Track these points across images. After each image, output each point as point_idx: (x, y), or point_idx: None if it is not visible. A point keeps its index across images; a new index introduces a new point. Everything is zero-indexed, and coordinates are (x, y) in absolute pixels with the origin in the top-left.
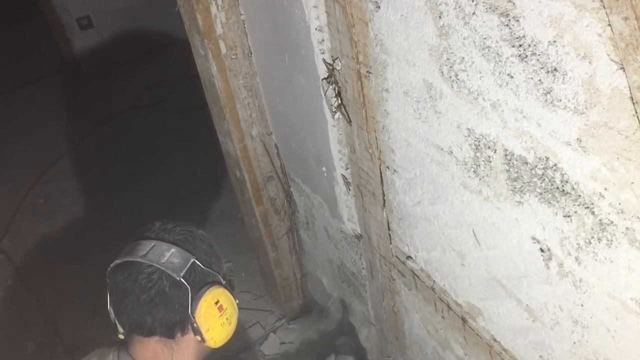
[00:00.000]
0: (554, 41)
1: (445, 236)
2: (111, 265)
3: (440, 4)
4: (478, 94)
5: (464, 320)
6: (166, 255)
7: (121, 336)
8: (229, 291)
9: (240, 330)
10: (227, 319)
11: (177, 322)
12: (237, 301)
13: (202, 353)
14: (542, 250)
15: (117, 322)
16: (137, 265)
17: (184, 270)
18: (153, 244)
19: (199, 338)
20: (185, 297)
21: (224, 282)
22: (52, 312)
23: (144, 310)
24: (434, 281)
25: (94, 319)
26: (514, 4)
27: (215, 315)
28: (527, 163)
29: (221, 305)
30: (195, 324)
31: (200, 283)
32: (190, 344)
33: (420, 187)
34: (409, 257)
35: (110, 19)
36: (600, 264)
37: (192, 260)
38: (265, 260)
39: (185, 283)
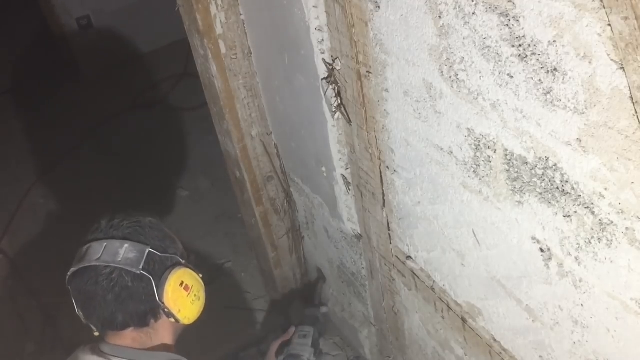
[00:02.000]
0: (554, 41)
1: (445, 236)
2: (68, 273)
3: (440, 4)
4: (478, 94)
5: (463, 320)
6: (120, 253)
7: (96, 333)
8: (191, 268)
9: (240, 330)
10: (195, 295)
11: (147, 311)
12: (201, 275)
13: (178, 330)
14: (542, 250)
15: (89, 323)
16: (95, 269)
17: (142, 262)
18: (105, 244)
19: (172, 320)
20: (149, 287)
21: (183, 262)
22: (52, 312)
23: (113, 309)
24: (434, 281)
25: None
26: (513, 4)
27: (183, 296)
28: (527, 163)
29: (187, 285)
30: (166, 309)
31: (161, 269)
32: (165, 326)
33: (420, 187)
34: (408, 257)
35: (110, 19)
36: (600, 264)
37: (147, 250)
38: (265, 260)
39: (147, 274)
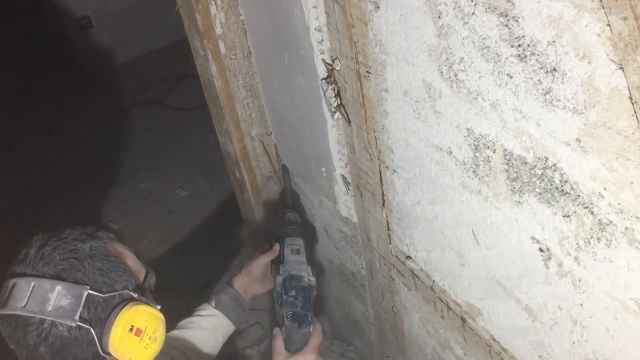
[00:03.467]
0: (553, 41)
1: (444, 236)
2: None
3: (439, 4)
4: (477, 94)
5: (463, 320)
6: (51, 299)
7: None
8: (145, 302)
9: (240, 330)
10: (149, 337)
11: None
12: (159, 306)
13: None
14: (541, 250)
15: None
16: (21, 318)
17: (79, 311)
18: (32, 284)
19: None
20: (90, 337)
21: (135, 295)
22: None
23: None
24: (434, 281)
25: None
26: (513, 4)
27: (134, 342)
28: (526, 163)
29: (138, 328)
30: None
31: (104, 313)
32: None
33: (419, 187)
34: (408, 257)
35: (110, 19)
36: (600, 263)
37: (86, 292)
38: None
39: (85, 325)
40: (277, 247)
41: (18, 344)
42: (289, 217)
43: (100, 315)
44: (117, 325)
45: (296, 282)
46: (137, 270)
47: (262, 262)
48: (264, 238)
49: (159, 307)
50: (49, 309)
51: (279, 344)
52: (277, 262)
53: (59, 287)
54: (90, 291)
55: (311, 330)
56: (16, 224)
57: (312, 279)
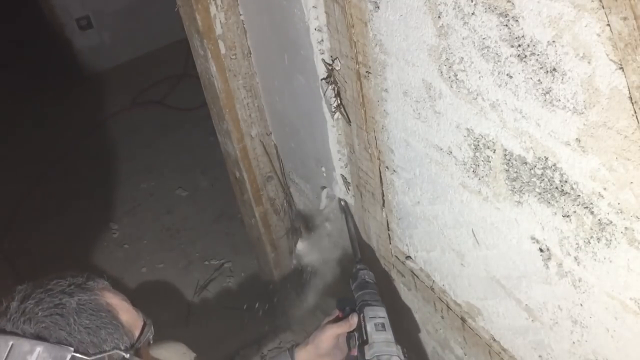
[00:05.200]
0: (553, 41)
1: (444, 236)
2: None
3: (439, 4)
4: (477, 94)
5: (463, 320)
6: None
7: None
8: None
9: (240, 330)
10: None
11: None
12: None
13: None
14: (541, 250)
15: None
16: None
17: None
18: (11, 343)
19: None
20: None
21: (127, 356)
22: None
23: None
24: (434, 281)
25: None
26: (513, 4)
27: None
28: (526, 163)
29: None
30: None
31: None
32: None
33: (419, 187)
34: (408, 257)
35: (110, 19)
36: (600, 263)
37: (70, 355)
38: (264, 260)
39: None
40: (354, 319)
41: None
42: (362, 277)
43: None
44: None
45: None
46: (133, 324)
47: (333, 334)
48: (337, 304)
49: None
50: None
51: None
52: (359, 341)
53: (39, 349)
54: (74, 353)
55: None
56: (16, 224)
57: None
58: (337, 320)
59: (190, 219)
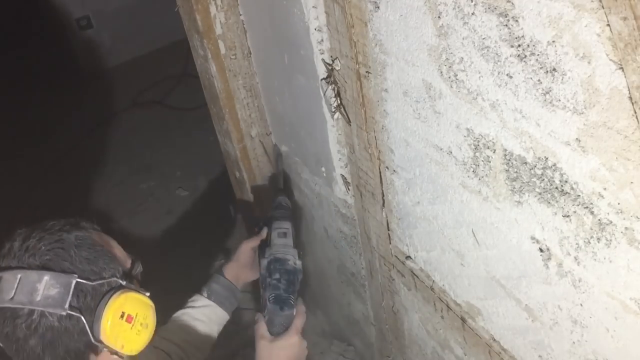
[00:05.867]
0: (553, 41)
1: (444, 236)
2: None
3: (439, 4)
4: (477, 94)
5: (463, 320)
6: (39, 290)
7: None
8: (134, 289)
9: (240, 330)
10: (140, 324)
11: (83, 350)
12: (148, 293)
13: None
14: (541, 250)
15: None
16: (9, 311)
17: (68, 300)
18: (19, 276)
19: (115, 357)
20: (81, 325)
21: (124, 283)
22: None
23: (39, 353)
24: (434, 281)
25: None
26: (512, 4)
27: (126, 329)
28: (526, 163)
29: (128, 315)
30: (105, 347)
31: (94, 301)
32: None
33: (419, 187)
34: (408, 257)
35: (110, 19)
36: (600, 263)
37: (74, 281)
38: None
39: (76, 313)
40: (264, 231)
41: (7, 339)
42: (279, 201)
43: (90, 304)
44: (108, 313)
45: (281, 265)
46: (124, 259)
47: (249, 247)
48: (252, 223)
49: (147, 293)
50: (38, 299)
51: (261, 327)
52: (264, 246)
53: (46, 277)
54: (78, 279)
55: (294, 313)
56: (16, 224)
57: (298, 262)
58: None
59: (190, 219)
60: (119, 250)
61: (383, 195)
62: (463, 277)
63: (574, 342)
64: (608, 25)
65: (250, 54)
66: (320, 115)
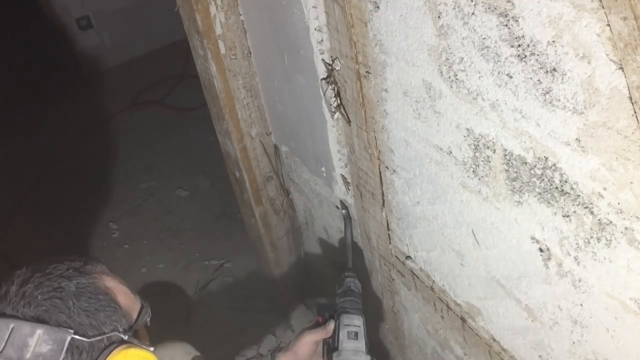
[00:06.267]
0: (553, 41)
1: (444, 236)
2: None
3: (439, 4)
4: (477, 94)
5: (463, 320)
6: (30, 345)
7: None
8: (136, 345)
9: (240, 330)
10: None
11: None
12: (152, 348)
13: None
14: (541, 250)
15: None
16: None
17: (61, 358)
18: (11, 326)
19: None
20: None
21: (125, 337)
22: None
23: None
24: (433, 281)
25: None
26: (512, 4)
27: None
28: (526, 163)
29: None
30: None
31: (90, 359)
32: None
33: (419, 187)
34: (408, 257)
35: (110, 19)
36: (600, 263)
37: (69, 337)
38: (264, 261)
39: None
40: (331, 325)
41: None
42: (348, 284)
43: None
44: None
45: None
46: (130, 307)
47: (311, 341)
48: (317, 310)
49: (152, 348)
50: (28, 356)
51: None
52: (330, 347)
53: (39, 332)
54: (74, 335)
55: None
56: (16, 224)
57: None
58: (316, 326)
59: (190, 219)
60: (125, 297)
61: (383, 195)
62: (463, 277)
63: (574, 342)
64: (608, 25)
65: (250, 54)
66: (320, 115)
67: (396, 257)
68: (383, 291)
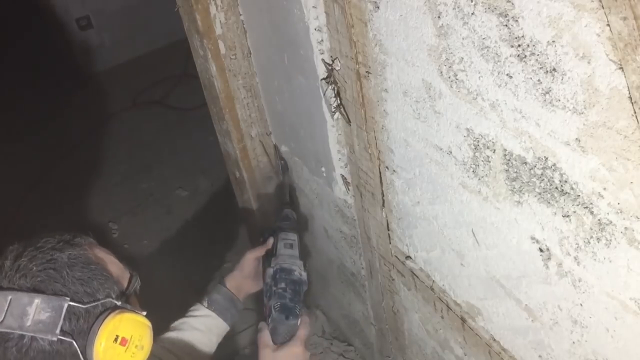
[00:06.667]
0: (553, 41)
1: (444, 236)
2: None
3: (439, 4)
4: (477, 94)
5: (463, 320)
6: (30, 314)
7: None
8: (129, 309)
9: (239, 330)
10: (135, 346)
11: None
12: (144, 312)
13: None
14: (541, 250)
15: None
16: None
17: (59, 325)
18: (9, 298)
19: None
20: (73, 349)
21: (119, 303)
22: None
23: None
24: (433, 281)
25: None
26: (512, 4)
27: (119, 352)
28: (526, 163)
29: (122, 338)
30: None
31: (87, 324)
32: None
33: (419, 187)
34: (408, 257)
35: (110, 19)
36: (600, 263)
37: (66, 304)
38: None
39: (67, 338)
40: (270, 241)
41: None
42: (285, 214)
43: (83, 327)
44: (101, 336)
45: (286, 274)
46: (121, 275)
47: (254, 257)
48: (259, 233)
49: (144, 313)
50: (28, 323)
51: (265, 336)
52: (270, 256)
53: (37, 301)
54: (70, 302)
55: (298, 323)
56: (16, 225)
57: (304, 273)
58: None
59: (190, 219)
60: (115, 267)
61: (383, 195)
62: (463, 277)
63: (573, 342)
64: (608, 25)
65: (250, 54)
66: (320, 115)
67: (396, 257)
68: (383, 291)
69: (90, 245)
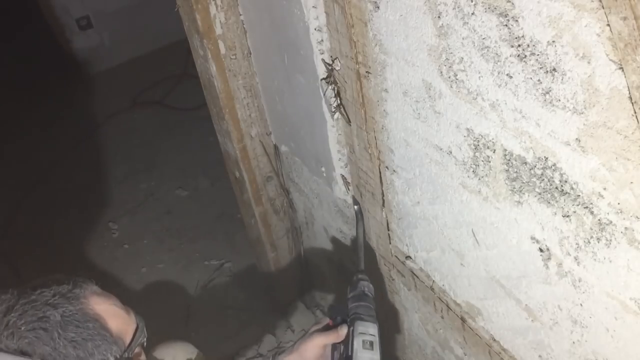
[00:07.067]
0: (553, 41)
1: (444, 236)
2: None
3: (439, 4)
4: (477, 94)
5: (463, 320)
6: None
7: None
8: None
9: (239, 331)
10: None
11: None
12: None
13: None
14: (541, 250)
15: None
16: None
17: None
18: None
19: None
20: None
21: None
22: None
23: None
24: (433, 281)
25: None
26: (512, 4)
27: None
28: (526, 163)
29: None
30: None
31: None
32: None
33: (419, 187)
34: (408, 257)
35: (110, 19)
36: (600, 263)
37: None
38: (264, 261)
39: None
40: (343, 330)
41: None
42: (361, 288)
43: None
44: None
45: None
46: (123, 330)
47: (321, 343)
48: (328, 313)
49: None
50: None
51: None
52: (342, 355)
53: None
54: None
55: None
56: (16, 224)
57: None
58: (326, 328)
59: (190, 219)
60: (117, 320)
61: (383, 195)
62: (463, 277)
63: (573, 342)
64: (608, 25)
65: (250, 54)
66: (320, 115)
67: (396, 257)
68: (383, 291)
69: (91, 296)
